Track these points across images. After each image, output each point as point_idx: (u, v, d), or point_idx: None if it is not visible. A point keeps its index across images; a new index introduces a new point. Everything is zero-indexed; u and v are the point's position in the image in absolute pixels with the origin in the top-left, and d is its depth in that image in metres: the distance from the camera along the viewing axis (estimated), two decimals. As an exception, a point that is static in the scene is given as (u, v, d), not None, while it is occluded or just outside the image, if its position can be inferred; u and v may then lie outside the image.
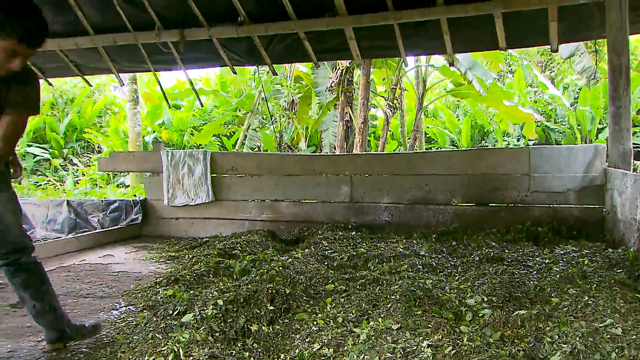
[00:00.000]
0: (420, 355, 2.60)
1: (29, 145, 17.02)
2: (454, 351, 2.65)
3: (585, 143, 14.43)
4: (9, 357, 3.28)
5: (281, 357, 3.01)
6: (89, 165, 17.07)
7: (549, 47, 6.12)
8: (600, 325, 2.89)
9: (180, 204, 7.48)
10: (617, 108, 5.89)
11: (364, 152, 9.46)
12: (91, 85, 9.44)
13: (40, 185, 14.75)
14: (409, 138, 13.32)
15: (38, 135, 17.77)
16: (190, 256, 5.81)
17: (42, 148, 17.38)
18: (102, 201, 8.12)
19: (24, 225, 3.34)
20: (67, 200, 8.14)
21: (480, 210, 6.50)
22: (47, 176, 16.03)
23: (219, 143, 17.02)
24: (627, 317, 2.94)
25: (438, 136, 17.40)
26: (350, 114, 11.45)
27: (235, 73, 8.39)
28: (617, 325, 2.84)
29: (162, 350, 2.87)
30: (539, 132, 15.52)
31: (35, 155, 16.98)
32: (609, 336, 2.75)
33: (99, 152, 17.41)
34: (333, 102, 11.53)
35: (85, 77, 8.17)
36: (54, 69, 8.05)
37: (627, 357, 2.54)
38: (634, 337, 2.68)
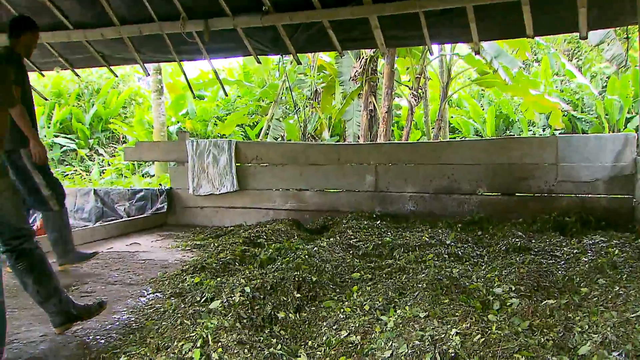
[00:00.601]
0: (449, 343, 2.59)
1: (55, 136, 17.28)
2: (482, 339, 2.64)
3: (613, 132, 14.14)
4: (42, 341, 3.34)
5: (309, 344, 3.03)
6: (114, 155, 17.27)
7: (577, 34, 6.00)
8: (632, 315, 2.85)
9: (205, 193, 7.54)
10: (647, 96, 5.78)
11: (389, 142, 9.41)
12: (117, 76, 9.51)
13: (67, 175, 14.97)
14: (433, 128, 13.22)
15: (64, 125, 18.02)
16: (215, 244, 5.86)
17: (69, 138, 17.62)
18: (128, 190, 8.21)
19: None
20: (94, 190, 8.27)
21: (506, 200, 6.44)
22: (74, 166, 16.26)
23: (243, 133, 17.07)
24: (659, 308, 2.90)
25: (462, 126, 17.23)
26: (374, 104, 11.39)
27: (259, 62, 8.38)
28: (649, 315, 2.80)
29: (190, 336, 2.90)
30: (565, 121, 15.26)
31: (62, 146, 17.23)
32: (640, 326, 2.71)
33: (124, 142, 17.60)
34: (357, 91, 11.47)
35: (111, 67, 8.24)
36: (81, 60, 8.12)
37: (660, 347, 2.50)
38: (667, 327, 2.64)
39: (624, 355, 2.51)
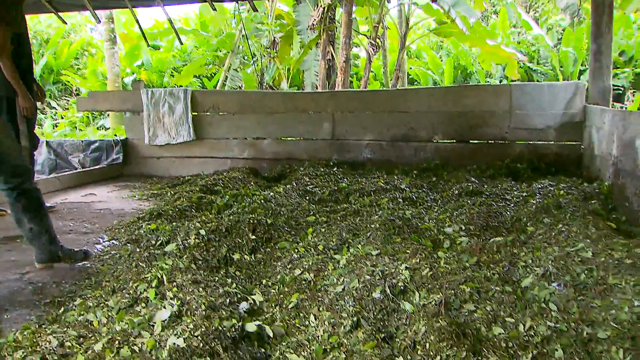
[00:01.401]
0: (398, 277, 2.67)
1: (3, 88, 16.59)
2: (430, 273, 2.74)
3: (567, 84, 14.40)
4: (-5, 287, 3.32)
5: (263, 282, 3.08)
6: (67, 109, 16.76)
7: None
8: (572, 249, 2.98)
9: (161, 143, 7.44)
10: (598, 45, 5.90)
11: (346, 89, 9.39)
12: (66, 23, 9.14)
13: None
14: (392, 79, 13.22)
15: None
16: (172, 193, 5.83)
17: (18, 90, 16.97)
18: (82, 142, 8.03)
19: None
20: (47, 141, 8.05)
21: (461, 147, 6.55)
22: (25, 118, 15.72)
23: (200, 84, 16.76)
24: (598, 242, 3.04)
25: (420, 77, 17.28)
26: (332, 53, 11.29)
27: (214, 9, 8.17)
28: (587, 249, 2.93)
29: (145, 277, 2.92)
30: (522, 73, 15.46)
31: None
32: (579, 259, 2.84)
33: (77, 94, 17.07)
34: (315, 40, 11.34)
35: (59, 14, 7.90)
36: (26, 6, 7.78)
37: (596, 278, 2.63)
38: (603, 259, 2.78)
39: (562, 286, 2.64)
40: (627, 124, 4.22)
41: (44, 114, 16.50)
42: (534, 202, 4.40)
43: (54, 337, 2.39)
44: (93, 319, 2.62)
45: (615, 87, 12.74)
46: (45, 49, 18.22)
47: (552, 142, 6.24)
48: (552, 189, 4.92)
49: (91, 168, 7.50)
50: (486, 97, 6.41)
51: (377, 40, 11.13)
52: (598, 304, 2.43)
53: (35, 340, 2.38)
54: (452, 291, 2.57)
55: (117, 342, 2.30)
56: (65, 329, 2.54)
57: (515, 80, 14.39)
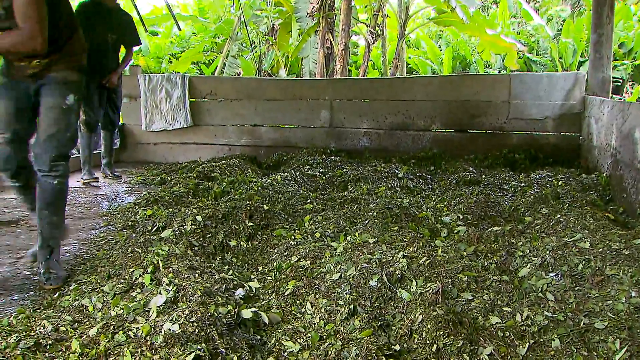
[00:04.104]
0: (396, 265, 2.66)
1: None
2: (428, 261, 2.73)
3: (566, 75, 14.36)
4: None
5: (259, 269, 3.07)
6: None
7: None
8: (570, 240, 2.98)
9: (158, 129, 7.40)
10: (599, 35, 5.87)
11: (344, 77, 9.35)
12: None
13: None
14: (390, 67, 13.17)
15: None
16: (169, 179, 5.81)
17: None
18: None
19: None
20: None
21: (459, 136, 6.54)
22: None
23: (198, 70, 16.66)
24: (596, 233, 3.04)
25: (419, 66, 17.21)
26: (331, 41, 11.22)
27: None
28: (585, 239, 2.93)
29: (141, 263, 2.90)
30: (521, 63, 15.40)
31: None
32: (577, 249, 2.84)
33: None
34: (314, 28, 11.26)
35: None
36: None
37: (593, 268, 2.63)
38: (600, 250, 2.78)
39: (559, 275, 2.64)
40: (626, 115, 4.20)
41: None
42: (532, 192, 4.39)
43: (49, 321, 2.38)
44: (88, 304, 2.60)
45: (614, 79, 12.71)
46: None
47: (551, 133, 6.23)
48: (550, 179, 4.92)
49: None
50: (485, 87, 6.39)
51: (377, 28, 11.09)
52: (595, 295, 2.43)
53: (29, 324, 2.36)
54: (450, 280, 2.56)
55: (112, 327, 2.28)
56: (60, 313, 2.53)
57: (514, 71, 14.38)
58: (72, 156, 4.01)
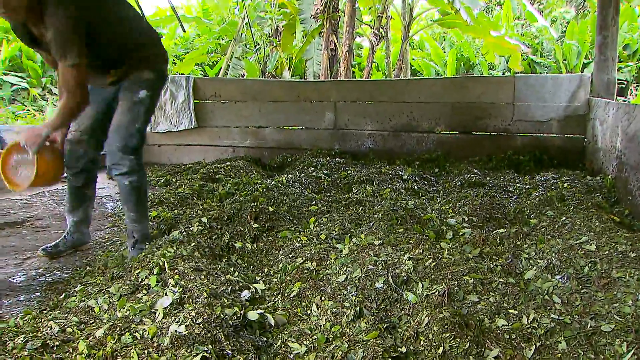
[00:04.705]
0: (402, 267, 2.66)
1: (5, 74, 16.53)
2: (434, 264, 2.73)
3: (570, 77, 14.34)
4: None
5: (265, 271, 3.07)
6: (69, 95, 16.64)
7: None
8: (576, 242, 2.97)
9: (162, 130, 7.40)
10: (603, 37, 5.86)
11: (348, 79, 9.35)
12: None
13: (19, 114, 14.45)
14: (394, 69, 13.16)
15: (14, 63, 17.23)
16: (173, 180, 5.81)
17: (19, 77, 16.91)
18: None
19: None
20: (48, 126, 8.00)
21: (464, 138, 6.53)
22: (26, 105, 15.67)
23: (202, 72, 16.67)
24: (602, 236, 3.03)
25: (423, 68, 17.20)
26: (335, 43, 11.23)
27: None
28: (591, 242, 2.93)
29: (147, 265, 2.90)
30: (525, 65, 15.37)
31: (13, 85, 16.50)
32: (583, 252, 2.83)
33: (79, 80, 16.94)
34: (318, 29, 11.26)
35: None
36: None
37: (599, 271, 2.63)
38: (607, 252, 2.77)
39: (565, 278, 2.63)
40: (631, 117, 4.19)
41: (45, 100, 16.45)
42: (537, 194, 4.38)
43: (55, 322, 2.38)
44: (94, 305, 2.61)
45: (619, 81, 12.68)
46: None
47: (555, 135, 6.21)
48: (555, 181, 4.90)
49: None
50: (489, 89, 6.38)
51: (381, 30, 11.08)
52: (602, 297, 2.43)
53: (36, 325, 2.37)
54: (456, 282, 2.56)
55: (118, 328, 2.29)
56: (66, 314, 2.53)
57: (518, 73, 14.36)
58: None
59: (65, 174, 3.48)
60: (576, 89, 6.04)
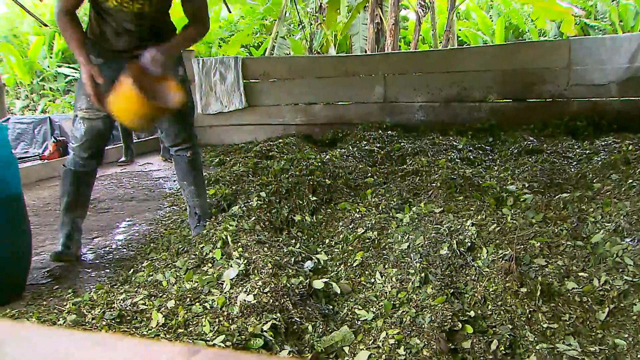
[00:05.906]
0: (465, 233, 2.64)
1: (59, 66, 17.03)
2: (498, 229, 2.69)
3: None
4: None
5: (326, 242, 3.10)
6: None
7: None
8: (645, 204, 2.87)
9: (214, 112, 7.50)
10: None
11: (397, 51, 9.23)
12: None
13: (73, 104, 14.89)
14: (441, 41, 12.91)
15: (67, 55, 17.75)
16: (227, 160, 5.90)
17: (73, 68, 17.39)
18: (137, 112, 8.16)
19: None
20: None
21: (517, 106, 6.37)
22: (80, 95, 16.11)
23: (248, 53, 16.78)
24: (674, 196, 2.92)
25: (470, 38, 16.81)
26: (380, 16, 11.08)
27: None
28: (662, 203, 2.82)
29: (210, 239, 2.96)
30: (578, 29, 14.83)
31: (67, 76, 17.01)
32: (654, 214, 2.74)
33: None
34: (363, 3, 11.14)
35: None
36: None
37: (673, 231, 2.54)
38: (680, 213, 2.67)
39: (636, 241, 2.55)
40: (700, 73, 4.00)
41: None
42: (599, 159, 4.25)
43: (127, 295, 2.47)
44: (162, 279, 2.68)
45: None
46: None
47: (615, 98, 5.99)
48: (617, 145, 4.74)
49: (146, 138, 7.66)
50: (543, 54, 6.19)
51: (427, 1, 10.87)
52: (677, 258, 2.35)
53: (109, 298, 2.46)
54: (522, 246, 2.52)
55: (188, 299, 2.35)
56: (136, 288, 2.61)
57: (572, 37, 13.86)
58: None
59: (73, 160, 3.23)
60: (637, 49, 5.79)
